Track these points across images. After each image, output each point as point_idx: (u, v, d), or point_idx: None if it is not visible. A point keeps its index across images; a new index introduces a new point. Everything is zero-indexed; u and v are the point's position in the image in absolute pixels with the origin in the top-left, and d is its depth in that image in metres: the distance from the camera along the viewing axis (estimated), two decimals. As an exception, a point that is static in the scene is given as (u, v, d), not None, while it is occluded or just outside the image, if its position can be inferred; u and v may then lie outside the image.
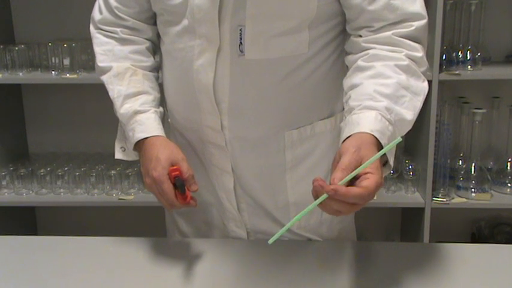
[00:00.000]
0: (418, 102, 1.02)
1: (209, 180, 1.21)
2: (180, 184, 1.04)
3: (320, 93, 1.14)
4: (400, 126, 0.98)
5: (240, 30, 1.04)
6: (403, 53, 1.02)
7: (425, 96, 1.03)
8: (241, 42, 1.05)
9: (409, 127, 1.00)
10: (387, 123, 0.95)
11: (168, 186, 1.04)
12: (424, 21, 1.05)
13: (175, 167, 1.05)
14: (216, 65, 1.07)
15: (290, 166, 1.17)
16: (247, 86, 1.09)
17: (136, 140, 1.12)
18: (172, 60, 1.15)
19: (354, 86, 1.02)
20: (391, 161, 0.95)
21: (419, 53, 1.04)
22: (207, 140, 1.17)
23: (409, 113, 0.99)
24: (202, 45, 1.07)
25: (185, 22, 1.08)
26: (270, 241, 0.82)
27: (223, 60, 1.07)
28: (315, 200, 0.84)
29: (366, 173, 0.86)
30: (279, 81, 1.09)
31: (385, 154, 0.92)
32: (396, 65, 1.01)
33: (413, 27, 1.03)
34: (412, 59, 1.03)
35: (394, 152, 0.97)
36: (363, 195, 0.83)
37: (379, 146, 0.92)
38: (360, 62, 1.04)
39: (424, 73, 1.05)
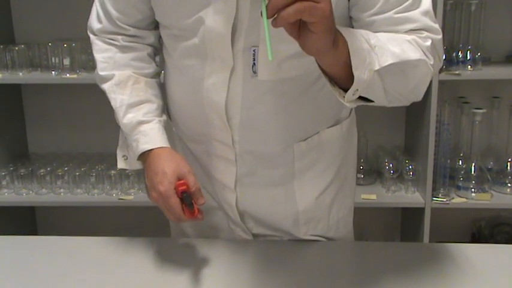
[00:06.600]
0: (410, 57, 0.93)
1: (214, 189, 1.20)
2: (189, 201, 1.02)
3: (329, 106, 1.13)
4: (380, 53, 0.90)
5: (254, 51, 1.02)
6: (410, 37, 0.96)
7: (422, 62, 0.95)
8: (254, 63, 1.03)
9: (390, 60, 0.90)
10: (363, 39, 0.89)
11: (175, 201, 1.02)
12: (438, 37, 0.98)
13: (182, 181, 1.03)
14: (229, 84, 1.05)
15: (298, 175, 1.16)
16: (259, 104, 1.07)
17: (140, 152, 1.09)
18: (179, 76, 1.12)
19: None
20: (355, 66, 0.87)
21: (427, 42, 0.97)
22: (215, 154, 1.15)
23: (395, 48, 0.91)
24: (214, 65, 1.05)
25: (195, 40, 1.04)
26: (270, 57, 0.78)
27: (235, 80, 1.05)
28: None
29: None
30: (292, 99, 1.07)
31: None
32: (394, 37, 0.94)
33: (424, 35, 0.97)
34: (418, 44, 0.96)
35: (362, 61, 0.87)
36: None
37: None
38: None
39: (432, 66, 0.97)
